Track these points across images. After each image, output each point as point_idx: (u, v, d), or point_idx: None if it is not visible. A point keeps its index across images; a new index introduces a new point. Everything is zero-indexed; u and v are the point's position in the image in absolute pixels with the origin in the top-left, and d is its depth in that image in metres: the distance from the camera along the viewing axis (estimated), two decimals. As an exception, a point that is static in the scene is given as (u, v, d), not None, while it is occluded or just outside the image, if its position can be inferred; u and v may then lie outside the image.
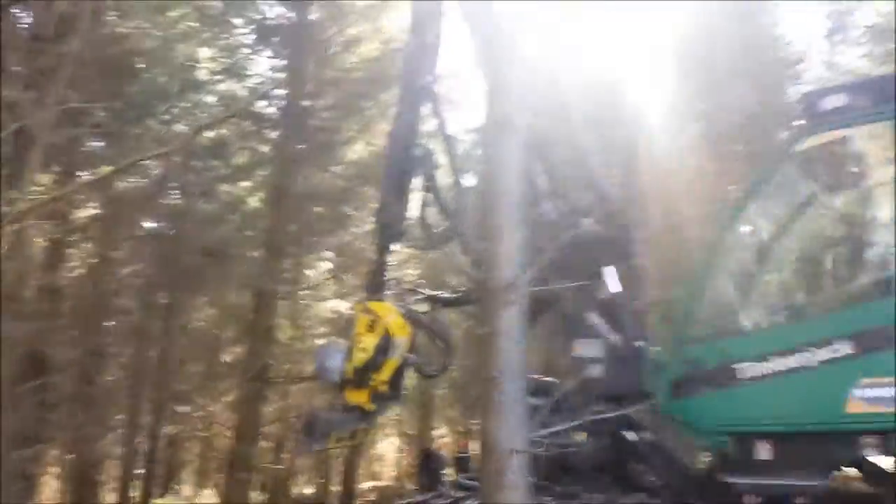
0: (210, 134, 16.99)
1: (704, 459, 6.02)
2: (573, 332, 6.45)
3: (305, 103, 17.21)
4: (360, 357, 6.00)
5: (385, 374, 6.04)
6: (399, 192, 6.71)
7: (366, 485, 26.71)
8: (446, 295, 7.12)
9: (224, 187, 20.48)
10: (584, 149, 6.85)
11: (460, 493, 6.30)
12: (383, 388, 6.07)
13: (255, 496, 20.19)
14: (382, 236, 6.69)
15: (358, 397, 6.11)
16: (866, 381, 4.94)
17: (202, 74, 17.76)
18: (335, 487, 25.58)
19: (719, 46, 13.71)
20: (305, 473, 27.15)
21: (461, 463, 7.23)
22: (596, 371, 6.24)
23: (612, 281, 6.51)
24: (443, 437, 24.39)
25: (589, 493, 5.83)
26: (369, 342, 6.03)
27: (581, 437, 6.13)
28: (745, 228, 6.30)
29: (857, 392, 4.96)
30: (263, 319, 16.82)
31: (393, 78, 16.59)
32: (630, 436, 6.09)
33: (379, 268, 6.63)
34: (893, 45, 14.20)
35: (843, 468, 5.92)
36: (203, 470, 27.26)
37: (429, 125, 7.33)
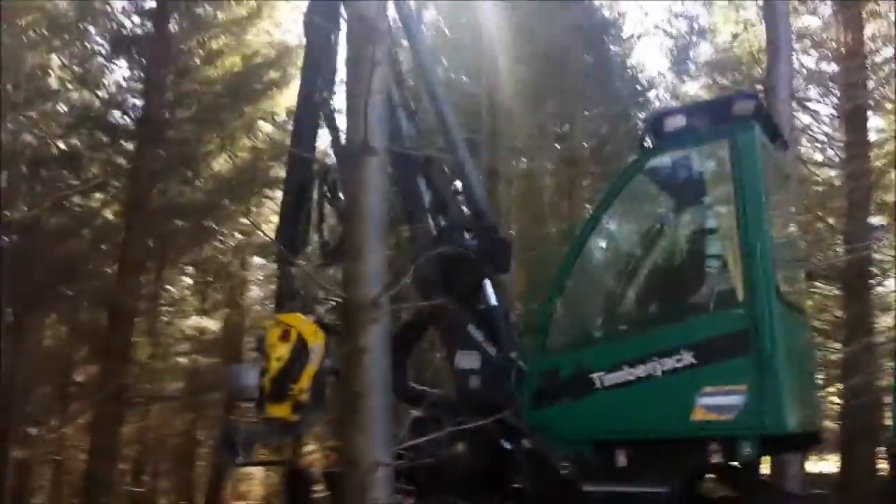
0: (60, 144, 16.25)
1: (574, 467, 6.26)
2: (455, 343, 6.67)
3: (164, 114, 16.73)
4: (276, 366, 5.91)
5: (304, 381, 5.94)
6: (297, 208, 6.76)
7: (232, 505, 26.00)
8: None
9: (75, 199, 19.55)
10: (462, 165, 7.07)
11: None
12: (304, 398, 5.98)
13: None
14: (282, 251, 6.70)
15: (279, 410, 5.99)
16: (708, 389, 5.22)
17: (52, 83, 16.92)
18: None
19: (576, 75, 14.59)
20: (168, 495, 26.19)
21: (329, 479, 7.29)
22: (474, 382, 6.50)
23: (489, 294, 6.84)
24: (311, 453, 24.13)
25: (465, 502, 6.03)
26: (283, 350, 5.96)
27: (459, 446, 6.30)
28: (597, 243, 6.61)
29: (701, 400, 5.22)
30: (119, 337, 16.16)
31: (256, 92, 16.56)
32: (506, 445, 6.24)
33: (284, 282, 6.64)
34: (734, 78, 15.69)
35: (708, 474, 6.23)
36: (57, 495, 25.68)
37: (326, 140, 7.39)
